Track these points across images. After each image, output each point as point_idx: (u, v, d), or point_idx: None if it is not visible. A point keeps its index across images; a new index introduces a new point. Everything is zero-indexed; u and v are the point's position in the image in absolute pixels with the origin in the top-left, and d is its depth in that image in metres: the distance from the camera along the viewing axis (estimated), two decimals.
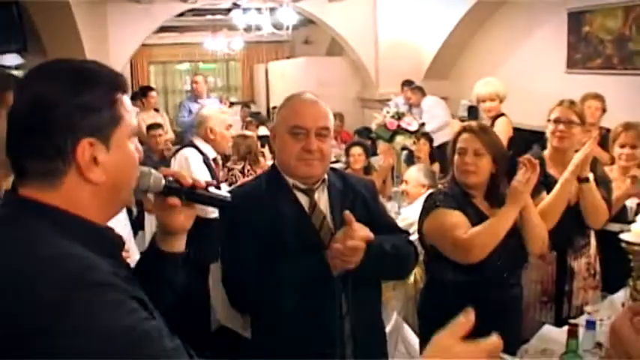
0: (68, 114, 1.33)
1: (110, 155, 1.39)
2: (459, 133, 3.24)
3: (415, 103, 9.46)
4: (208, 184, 1.73)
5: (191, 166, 4.65)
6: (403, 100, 9.54)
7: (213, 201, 1.76)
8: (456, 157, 3.19)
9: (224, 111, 5.27)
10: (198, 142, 4.93)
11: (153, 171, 1.62)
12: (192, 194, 1.69)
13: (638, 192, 4.26)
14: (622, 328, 1.29)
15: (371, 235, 2.35)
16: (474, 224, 3.03)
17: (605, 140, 4.86)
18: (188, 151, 4.86)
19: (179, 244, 1.79)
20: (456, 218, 3.06)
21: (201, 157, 4.83)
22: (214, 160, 4.96)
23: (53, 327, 1.14)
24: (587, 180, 3.56)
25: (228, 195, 1.77)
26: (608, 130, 4.90)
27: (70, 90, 1.34)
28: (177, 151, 5.04)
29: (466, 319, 1.26)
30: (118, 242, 1.50)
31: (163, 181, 1.64)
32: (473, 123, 3.42)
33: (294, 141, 2.49)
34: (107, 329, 1.17)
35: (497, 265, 3.05)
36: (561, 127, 3.66)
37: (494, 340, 1.24)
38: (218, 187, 1.75)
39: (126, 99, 1.47)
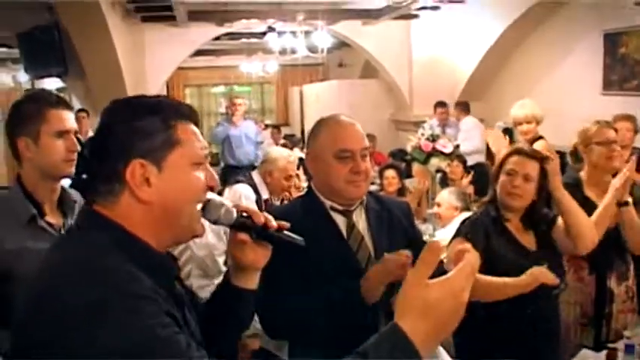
0: (123, 138, 1.44)
1: (162, 177, 1.46)
2: (509, 155, 3.23)
3: (457, 118, 9.37)
4: (281, 226, 1.71)
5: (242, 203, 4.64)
6: (437, 121, 9.52)
7: (285, 243, 1.72)
8: (504, 177, 3.17)
9: (290, 161, 5.19)
10: (256, 178, 4.94)
11: (226, 203, 1.63)
12: (263, 233, 1.68)
13: None
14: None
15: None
16: (502, 252, 3.07)
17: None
18: (243, 188, 4.87)
19: (251, 281, 1.79)
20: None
21: (254, 196, 4.83)
22: (266, 201, 4.96)
23: (91, 325, 1.22)
24: (626, 204, 3.53)
25: (301, 239, 1.75)
26: None
27: (127, 117, 1.47)
28: (234, 181, 5.06)
29: (431, 249, 1.26)
30: (169, 269, 1.56)
31: (235, 215, 1.65)
32: (525, 147, 3.41)
33: (342, 164, 2.48)
34: (139, 335, 1.24)
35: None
36: (614, 146, 3.63)
37: (467, 252, 1.30)
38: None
39: (191, 128, 1.54)
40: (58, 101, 2.64)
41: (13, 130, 2.58)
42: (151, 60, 10.30)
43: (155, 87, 10.31)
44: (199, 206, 1.56)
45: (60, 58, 8.40)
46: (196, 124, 1.57)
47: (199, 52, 12.43)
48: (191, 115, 1.56)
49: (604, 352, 2.70)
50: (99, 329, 1.21)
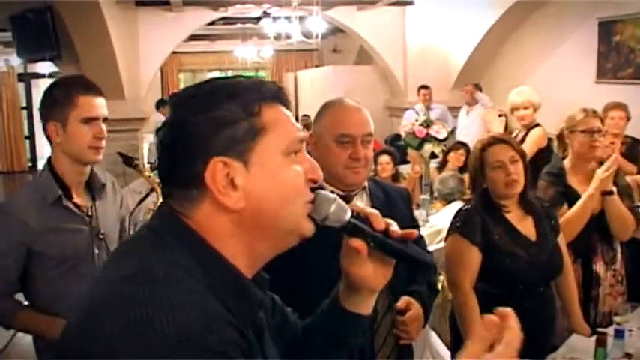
0: (197, 134, 1.17)
1: (251, 175, 1.18)
2: (483, 149, 3.19)
3: (470, 101, 9.35)
4: (407, 235, 1.36)
5: None
6: (421, 104, 9.53)
7: (408, 258, 1.36)
8: (494, 172, 3.12)
9: None
10: None
11: (338, 199, 1.31)
12: (382, 242, 1.33)
13: None
14: None
15: (419, 309, 2.46)
16: (501, 243, 3.07)
17: (631, 150, 4.82)
18: None
19: (365, 305, 1.45)
20: (467, 256, 3.08)
21: None
22: None
23: None
24: (611, 193, 3.55)
25: (428, 255, 1.47)
26: (635, 140, 4.85)
27: (200, 107, 1.19)
28: None
29: (499, 318, 1.08)
30: (256, 300, 1.25)
31: (348, 215, 1.32)
32: (494, 134, 3.43)
33: (341, 149, 2.44)
34: None
35: (529, 276, 3.07)
36: (596, 136, 3.65)
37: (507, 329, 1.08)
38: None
39: (281, 110, 1.26)
40: (89, 87, 2.68)
41: (45, 114, 2.65)
42: (145, 44, 10.26)
43: (149, 71, 10.29)
44: (306, 203, 1.27)
45: (53, 41, 8.35)
46: (286, 106, 1.29)
47: (194, 37, 12.42)
48: (279, 95, 1.27)
49: (594, 338, 2.72)
50: None
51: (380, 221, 1.33)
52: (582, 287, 3.65)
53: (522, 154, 3.18)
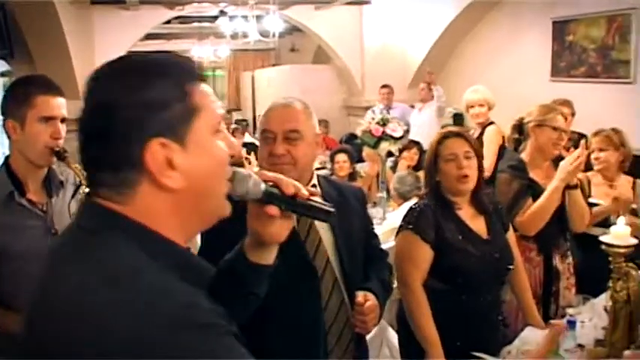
0: (131, 115, 1.16)
1: (189, 155, 1.20)
2: (439, 141, 3.17)
3: (424, 98, 9.31)
4: (311, 194, 1.53)
5: None
6: (381, 103, 9.54)
7: (317, 213, 1.54)
8: (446, 165, 3.11)
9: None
10: None
11: (252, 174, 1.42)
12: (293, 204, 1.48)
13: (617, 210, 4.28)
14: None
15: (374, 301, 2.49)
16: (454, 241, 3.06)
17: (577, 145, 4.90)
18: None
19: (269, 256, 1.59)
20: (418, 254, 3.07)
21: None
22: None
23: None
24: (575, 187, 3.62)
25: (331, 206, 1.58)
26: (580, 135, 4.94)
27: (131, 88, 1.18)
28: None
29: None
30: (207, 269, 1.34)
31: (263, 187, 1.44)
32: (452, 128, 3.45)
33: (264, 145, 2.44)
34: None
35: (481, 274, 3.07)
36: (563, 135, 3.71)
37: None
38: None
39: (205, 88, 1.28)
40: (49, 87, 2.68)
41: (4, 112, 2.66)
42: (100, 44, 10.10)
43: None
44: (226, 181, 1.33)
45: (5, 40, 8.20)
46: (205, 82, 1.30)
47: (150, 36, 12.29)
48: (201, 73, 1.30)
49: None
50: None
51: (289, 186, 1.47)
52: (543, 284, 3.70)
53: (478, 152, 3.17)
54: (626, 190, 4.47)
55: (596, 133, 4.59)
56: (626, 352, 2.62)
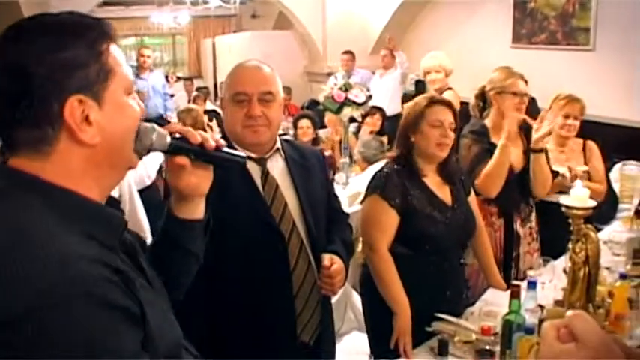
0: (50, 75, 1.20)
1: (104, 112, 1.26)
2: (427, 105, 3.15)
3: (387, 64, 9.30)
4: (219, 144, 1.54)
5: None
6: (343, 70, 9.52)
7: (226, 162, 1.57)
8: (429, 129, 3.09)
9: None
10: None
11: (156, 127, 1.45)
12: (201, 153, 1.52)
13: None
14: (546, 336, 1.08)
15: (340, 263, 2.52)
16: (421, 207, 3.08)
17: (530, 108, 4.90)
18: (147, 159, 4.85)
19: (196, 211, 1.62)
20: (385, 219, 3.07)
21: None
22: None
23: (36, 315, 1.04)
24: (541, 151, 3.67)
25: (243, 154, 1.62)
26: (532, 98, 4.94)
27: (48, 48, 1.21)
28: None
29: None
30: (120, 222, 1.35)
31: (168, 139, 1.47)
32: (441, 96, 3.49)
33: (238, 108, 2.44)
34: (84, 338, 1.07)
35: (446, 239, 3.12)
36: (525, 98, 3.76)
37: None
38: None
39: (116, 50, 1.33)
40: None
41: None
42: (56, 9, 9.73)
43: None
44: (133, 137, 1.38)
45: None
46: (116, 43, 1.36)
47: (107, 3, 12.11)
48: (114, 34, 1.35)
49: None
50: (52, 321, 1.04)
51: (195, 136, 1.50)
52: (504, 248, 3.76)
53: (457, 127, 3.21)
54: (577, 154, 4.49)
55: (573, 100, 4.48)
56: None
